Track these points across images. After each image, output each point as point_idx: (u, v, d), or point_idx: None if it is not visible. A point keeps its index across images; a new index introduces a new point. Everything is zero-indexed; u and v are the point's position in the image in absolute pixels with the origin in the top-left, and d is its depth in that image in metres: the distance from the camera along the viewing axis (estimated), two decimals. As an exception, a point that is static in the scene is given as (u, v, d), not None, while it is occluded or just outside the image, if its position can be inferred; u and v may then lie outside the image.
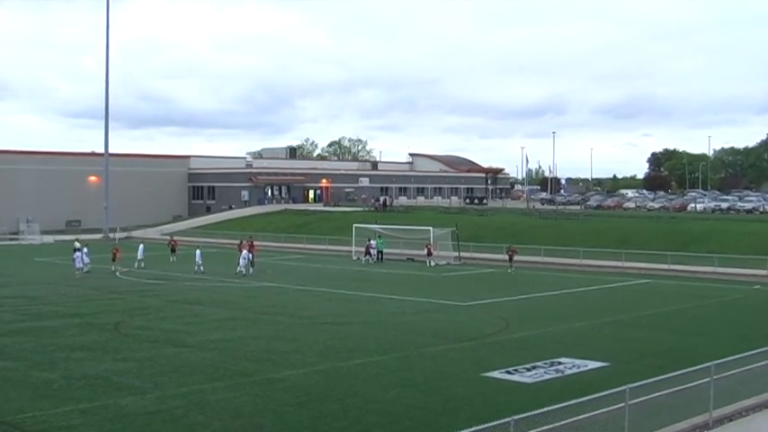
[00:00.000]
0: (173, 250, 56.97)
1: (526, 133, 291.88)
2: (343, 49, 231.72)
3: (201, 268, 49.24)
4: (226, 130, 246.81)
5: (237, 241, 55.53)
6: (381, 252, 58.76)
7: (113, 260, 50.32)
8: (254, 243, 52.82)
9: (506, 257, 52.47)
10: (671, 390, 15.89)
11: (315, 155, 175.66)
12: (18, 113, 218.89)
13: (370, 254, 58.48)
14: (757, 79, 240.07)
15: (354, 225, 63.01)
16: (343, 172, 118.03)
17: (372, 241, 59.16)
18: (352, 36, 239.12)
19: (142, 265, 52.15)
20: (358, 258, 59.71)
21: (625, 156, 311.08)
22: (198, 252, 50.79)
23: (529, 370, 22.10)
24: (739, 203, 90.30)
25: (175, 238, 64.57)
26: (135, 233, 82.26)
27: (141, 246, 55.15)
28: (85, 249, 49.43)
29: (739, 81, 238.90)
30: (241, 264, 48.35)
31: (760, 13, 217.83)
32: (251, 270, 48.61)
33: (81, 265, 46.75)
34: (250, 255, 49.69)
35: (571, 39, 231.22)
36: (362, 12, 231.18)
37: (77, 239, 59.17)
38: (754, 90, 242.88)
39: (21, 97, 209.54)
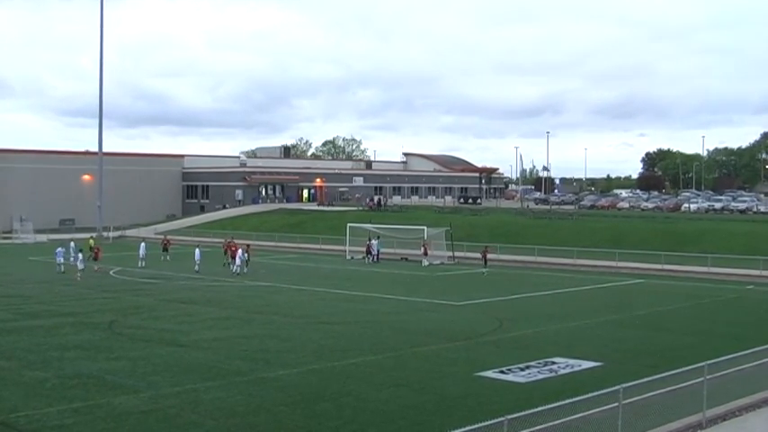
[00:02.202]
0: (165, 249, 56.87)
1: (522, 133, 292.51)
2: (341, 48, 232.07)
3: (196, 267, 49.23)
4: (222, 129, 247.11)
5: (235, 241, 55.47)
6: (378, 252, 58.76)
7: (95, 259, 50.20)
8: (234, 241, 53.15)
9: (488, 259, 52.26)
10: (664, 389, 15.93)
11: (309, 154, 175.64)
12: (14, 111, 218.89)
13: (370, 253, 58.49)
14: (755, 79, 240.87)
15: (348, 224, 62.99)
16: (337, 171, 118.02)
17: (373, 241, 59.17)
18: (349, 35, 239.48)
19: (143, 264, 52.18)
20: (352, 258, 59.71)
21: (621, 156, 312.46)
22: (197, 251, 50.82)
23: (522, 369, 22.11)
24: (733, 203, 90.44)
25: (169, 237, 64.37)
26: (129, 232, 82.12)
27: (143, 244, 55.21)
28: (61, 249, 49.05)
29: (737, 81, 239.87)
30: (237, 263, 48.41)
31: (759, 13, 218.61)
32: (236, 269, 48.44)
33: (83, 267, 46.11)
34: (246, 255, 49.64)
35: (569, 38, 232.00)
36: (360, 11, 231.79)
37: (92, 238, 59.37)
38: (752, 90, 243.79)
39: (17, 95, 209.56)
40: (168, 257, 55.56)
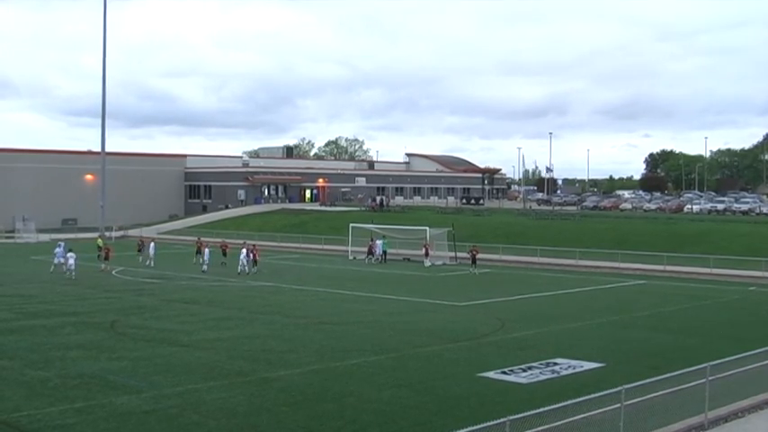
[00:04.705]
0: (139, 250, 56.54)
1: (527, 134, 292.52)
2: (347, 48, 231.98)
3: (204, 267, 49.41)
4: (226, 130, 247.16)
5: (241, 241, 55.44)
6: (385, 252, 58.76)
7: (106, 258, 50.11)
8: (248, 242, 53.61)
9: (477, 258, 52.17)
10: (666, 390, 15.91)
11: (311, 154, 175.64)
12: (19, 111, 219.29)
13: (372, 253, 58.50)
14: (759, 80, 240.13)
15: (351, 225, 63.01)
16: (339, 172, 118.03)
17: (378, 241, 59.17)
18: (355, 35, 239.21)
19: (152, 263, 52.33)
20: (354, 258, 59.72)
21: (625, 156, 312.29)
22: (207, 251, 51.02)
23: (524, 370, 22.09)
24: (735, 205, 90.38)
25: (143, 237, 64.26)
26: (131, 232, 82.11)
27: (152, 244, 55.32)
28: (60, 250, 48.91)
29: (742, 82, 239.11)
30: (242, 263, 48.53)
31: (764, 14, 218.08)
32: (239, 269, 48.54)
33: (73, 265, 46.02)
34: (251, 255, 49.73)
35: (574, 39, 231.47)
36: (367, 11, 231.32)
37: (100, 237, 59.40)
38: (756, 91, 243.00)
39: (22, 95, 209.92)
40: (141, 259, 54.96)
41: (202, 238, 59.81)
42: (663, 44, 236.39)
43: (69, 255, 46.15)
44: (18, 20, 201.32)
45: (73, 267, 45.29)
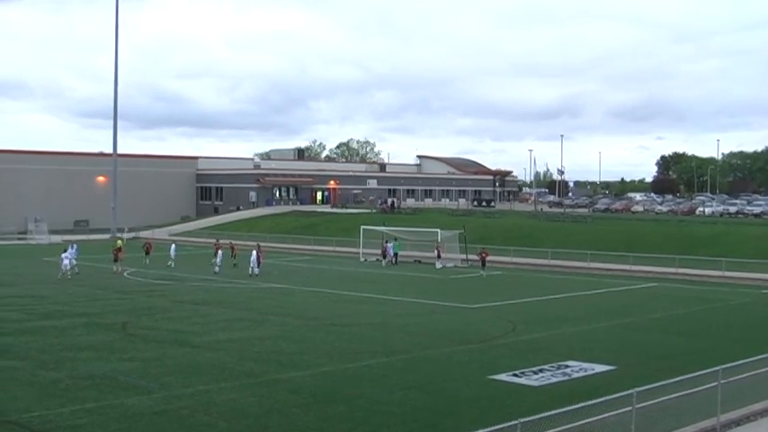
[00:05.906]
0: (147, 252, 56.59)
1: (539, 136, 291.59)
2: (361, 50, 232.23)
3: (216, 269, 49.59)
4: (238, 131, 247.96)
5: (254, 243, 55.54)
6: (396, 254, 58.71)
7: (115, 260, 50.23)
8: (259, 244, 53.88)
9: (486, 261, 51.98)
10: (678, 393, 15.82)
11: (323, 156, 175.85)
12: (33, 112, 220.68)
13: (385, 256, 58.47)
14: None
15: (362, 227, 63.01)
16: (351, 174, 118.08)
17: (389, 243, 59.13)
18: (369, 37, 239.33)
19: (172, 264, 52.71)
20: (365, 260, 59.72)
21: (637, 159, 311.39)
22: (220, 253, 51.40)
23: (536, 373, 22.03)
24: (748, 207, 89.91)
25: (149, 240, 64.59)
26: (143, 233, 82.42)
27: (173, 245, 55.52)
28: (71, 251, 49.09)
29: (755, 84, 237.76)
30: (252, 263, 48.67)
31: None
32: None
33: (68, 265, 46.31)
34: (259, 256, 49.89)
35: (588, 40, 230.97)
36: (381, 12, 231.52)
37: (120, 239, 59.58)
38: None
39: (36, 97, 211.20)
40: (148, 261, 55.05)
41: (220, 240, 59.55)
42: (677, 46, 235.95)
43: (63, 255, 46.97)
44: (32, 22, 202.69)
45: (68, 266, 46.19)
